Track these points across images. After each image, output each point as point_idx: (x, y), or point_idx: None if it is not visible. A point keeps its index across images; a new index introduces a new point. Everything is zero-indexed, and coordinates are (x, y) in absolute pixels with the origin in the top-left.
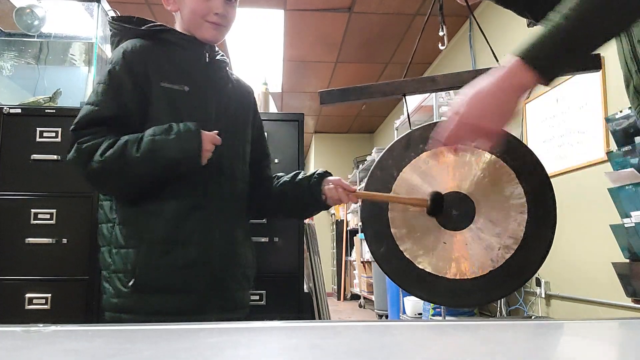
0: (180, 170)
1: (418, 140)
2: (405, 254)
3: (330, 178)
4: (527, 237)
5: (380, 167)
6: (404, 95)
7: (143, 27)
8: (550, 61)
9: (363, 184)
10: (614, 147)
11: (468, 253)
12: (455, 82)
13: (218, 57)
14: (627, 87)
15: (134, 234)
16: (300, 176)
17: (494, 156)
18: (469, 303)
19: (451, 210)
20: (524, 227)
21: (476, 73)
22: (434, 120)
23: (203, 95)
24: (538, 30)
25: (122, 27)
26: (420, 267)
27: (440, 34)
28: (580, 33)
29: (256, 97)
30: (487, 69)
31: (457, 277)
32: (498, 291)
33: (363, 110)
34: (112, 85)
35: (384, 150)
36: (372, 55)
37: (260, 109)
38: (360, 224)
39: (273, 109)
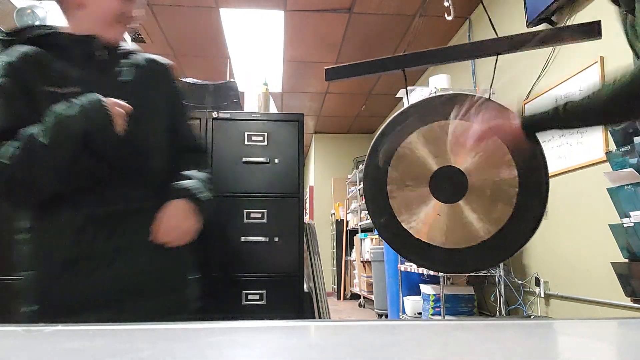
0: (96, 144)
1: (416, 115)
2: (403, 224)
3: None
4: (518, 208)
5: (382, 136)
6: (404, 70)
7: (29, 35)
8: (538, 131)
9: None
10: (613, 147)
11: (461, 224)
12: (455, 54)
13: (117, 50)
14: None
15: (35, 254)
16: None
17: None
18: (462, 270)
19: (445, 184)
20: (515, 199)
21: (472, 45)
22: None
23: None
24: (545, 106)
25: (6, 37)
26: (416, 236)
27: (446, 4)
28: (575, 123)
29: (256, 97)
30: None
31: (451, 247)
32: (489, 260)
33: (363, 110)
34: (1, 97)
35: (385, 123)
36: (372, 56)
37: (261, 109)
38: (360, 223)
39: (273, 109)
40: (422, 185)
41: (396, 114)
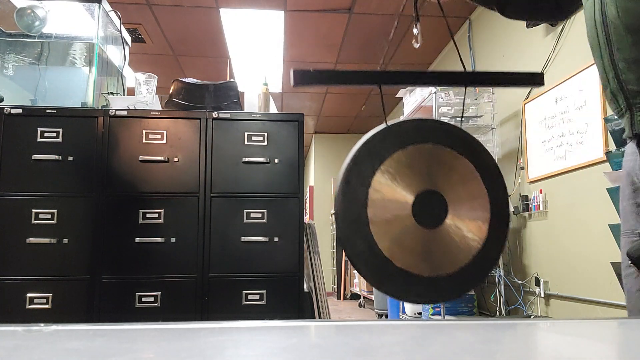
0: None
1: (395, 136)
2: (384, 253)
3: None
4: (490, 232)
5: (356, 161)
6: (380, 86)
7: None
8: None
9: None
10: (613, 147)
11: (443, 249)
12: (437, 79)
13: None
14: (605, 90)
15: None
16: None
17: (457, 153)
18: (444, 298)
19: (427, 208)
20: (488, 223)
21: (446, 74)
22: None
23: None
24: None
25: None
26: (398, 265)
27: (414, 32)
28: None
29: (257, 97)
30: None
31: (433, 275)
32: (467, 285)
33: (363, 111)
34: None
35: (360, 144)
36: (371, 56)
37: (261, 109)
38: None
39: (273, 109)
40: (405, 210)
41: (374, 131)
